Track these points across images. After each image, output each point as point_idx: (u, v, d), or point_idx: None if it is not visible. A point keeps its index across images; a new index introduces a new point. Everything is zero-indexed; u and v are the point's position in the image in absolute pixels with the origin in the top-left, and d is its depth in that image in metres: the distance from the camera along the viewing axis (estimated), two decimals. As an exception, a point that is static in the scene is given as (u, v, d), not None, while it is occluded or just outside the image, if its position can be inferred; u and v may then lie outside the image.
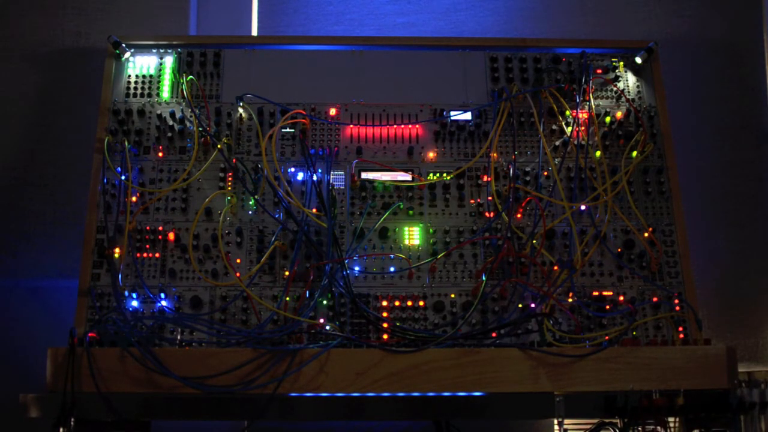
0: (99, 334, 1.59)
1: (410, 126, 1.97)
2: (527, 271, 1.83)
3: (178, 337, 1.73)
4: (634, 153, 1.93)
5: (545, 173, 1.93)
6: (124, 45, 1.99)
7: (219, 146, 1.88)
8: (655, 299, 1.82)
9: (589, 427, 1.59)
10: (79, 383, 1.49)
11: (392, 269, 1.84)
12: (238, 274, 1.77)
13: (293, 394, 1.52)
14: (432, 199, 1.91)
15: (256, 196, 1.86)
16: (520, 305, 1.79)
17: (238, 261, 1.84)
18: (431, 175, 1.92)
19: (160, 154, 1.91)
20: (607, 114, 1.98)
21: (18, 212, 2.16)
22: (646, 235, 1.86)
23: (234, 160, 1.88)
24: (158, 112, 1.95)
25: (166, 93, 1.98)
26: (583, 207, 1.89)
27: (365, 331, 1.76)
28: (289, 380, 1.51)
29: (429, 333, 1.71)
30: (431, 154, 1.95)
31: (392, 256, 1.85)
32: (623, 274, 1.86)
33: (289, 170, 1.91)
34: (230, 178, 1.89)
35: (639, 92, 2.03)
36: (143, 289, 1.79)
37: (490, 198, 1.89)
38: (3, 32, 2.24)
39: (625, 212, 1.90)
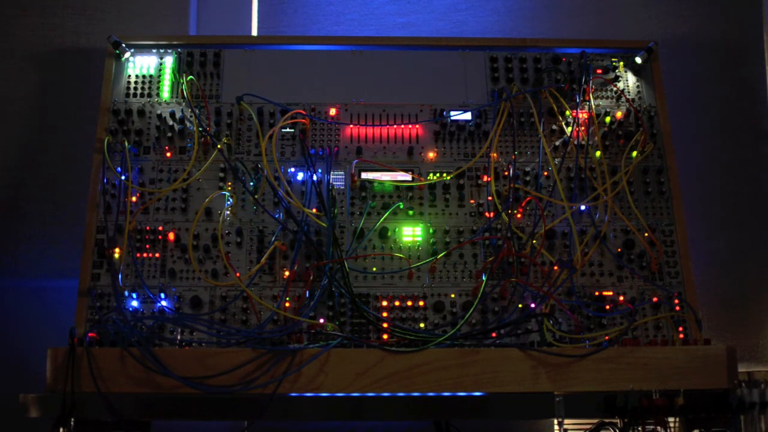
0: (99, 334, 1.59)
1: (410, 126, 1.97)
2: (527, 271, 1.83)
3: (178, 337, 1.73)
4: (634, 153, 1.93)
5: (545, 173, 1.93)
6: (124, 45, 1.99)
7: (219, 146, 1.88)
8: (655, 299, 1.82)
9: (589, 427, 1.59)
10: (79, 383, 1.49)
11: (392, 269, 1.84)
12: (238, 274, 1.77)
13: (293, 394, 1.52)
14: (432, 199, 1.91)
15: (256, 196, 1.86)
16: (520, 305, 1.79)
17: (238, 261, 1.84)
18: (431, 175, 1.92)
19: (161, 154, 1.91)
20: (607, 114, 1.98)
21: (18, 212, 2.16)
22: (646, 234, 1.86)
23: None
24: (158, 112, 1.95)
25: (166, 93, 1.98)
26: (583, 207, 1.89)
27: (365, 331, 1.76)
28: (289, 380, 1.51)
29: (429, 333, 1.71)
30: (431, 154, 1.95)
31: (392, 256, 1.85)
32: (623, 274, 1.86)
33: (289, 170, 1.91)
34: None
35: (639, 92, 2.03)
36: (143, 289, 1.79)
37: (490, 198, 1.89)
38: (3, 32, 2.24)
39: (625, 212, 1.90)
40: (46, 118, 2.20)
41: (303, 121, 1.94)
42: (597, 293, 1.83)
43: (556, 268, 1.82)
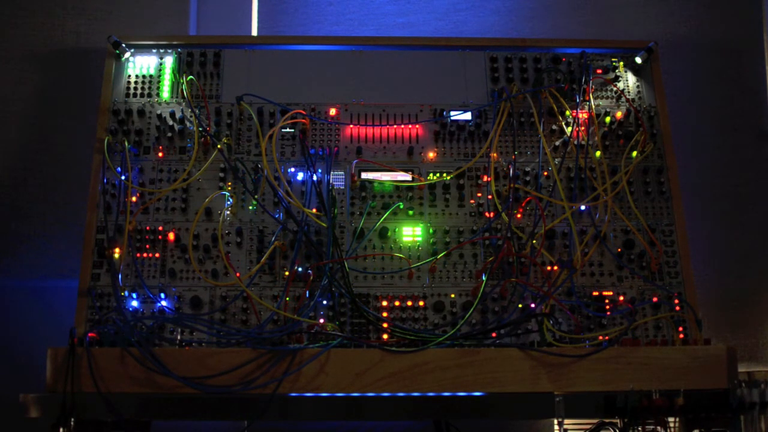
0: (99, 334, 1.59)
1: (410, 126, 1.97)
2: (527, 271, 1.83)
3: (178, 337, 1.73)
4: (634, 153, 1.93)
5: (545, 173, 1.93)
6: (124, 45, 1.99)
7: (219, 146, 1.88)
8: (655, 299, 1.83)
9: (589, 427, 1.59)
10: (79, 383, 1.49)
11: (392, 269, 1.84)
12: (238, 274, 1.77)
13: (293, 394, 1.52)
14: (432, 199, 1.91)
15: (256, 196, 1.86)
16: (520, 305, 1.79)
17: (238, 261, 1.84)
18: (431, 175, 1.92)
19: (160, 154, 1.92)
20: (607, 114, 1.98)
21: (18, 212, 2.16)
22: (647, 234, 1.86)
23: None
24: (158, 112, 1.95)
25: (166, 93, 1.98)
26: (583, 207, 1.89)
27: (365, 331, 1.76)
28: (289, 380, 1.51)
29: (429, 333, 1.71)
30: (431, 154, 1.95)
31: (392, 256, 1.85)
32: (623, 274, 1.86)
33: (289, 170, 1.91)
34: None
35: (639, 92, 2.03)
36: (143, 289, 1.79)
37: (490, 198, 1.89)
38: (3, 32, 2.24)
39: (625, 212, 1.90)
40: (47, 118, 2.20)
41: (303, 121, 1.94)
42: (597, 293, 1.83)
43: (556, 268, 1.82)
